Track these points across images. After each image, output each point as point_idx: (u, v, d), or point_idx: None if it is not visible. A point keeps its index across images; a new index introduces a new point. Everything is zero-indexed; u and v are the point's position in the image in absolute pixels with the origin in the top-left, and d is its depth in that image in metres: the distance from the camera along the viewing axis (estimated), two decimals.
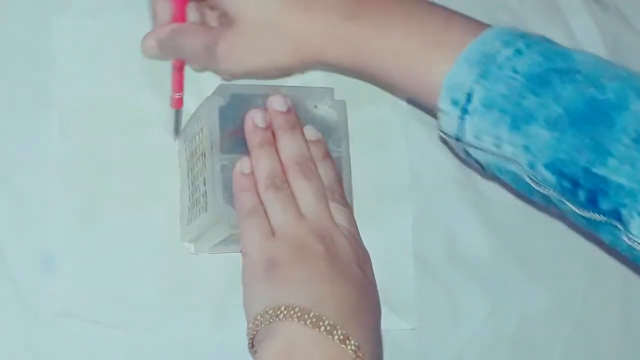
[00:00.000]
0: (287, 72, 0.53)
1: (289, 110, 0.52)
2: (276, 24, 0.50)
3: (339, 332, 0.44)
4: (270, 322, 0.45)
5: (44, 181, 0.55)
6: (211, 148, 0.50)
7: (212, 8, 0.55)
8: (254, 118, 0.51)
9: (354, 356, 0.44)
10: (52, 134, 0.55)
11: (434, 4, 0.51)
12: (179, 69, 0.55)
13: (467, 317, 0.63)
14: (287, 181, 0.50)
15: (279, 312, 0.45)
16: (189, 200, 0.55)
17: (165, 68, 0.55)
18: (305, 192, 0.50)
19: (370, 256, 0.60)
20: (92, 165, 0.56)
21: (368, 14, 0.49)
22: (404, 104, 0.64)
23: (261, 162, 0.50)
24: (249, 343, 0.48)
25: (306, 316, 0.45)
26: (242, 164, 0.50)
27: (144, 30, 0.55)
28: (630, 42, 0.71)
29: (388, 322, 0.60)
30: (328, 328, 0.44)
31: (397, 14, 0.49)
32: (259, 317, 0.46)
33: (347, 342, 0.44)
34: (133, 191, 0.56)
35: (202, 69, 0.56)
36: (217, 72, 0.54)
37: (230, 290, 0.57)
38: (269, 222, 0.49)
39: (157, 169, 0.57)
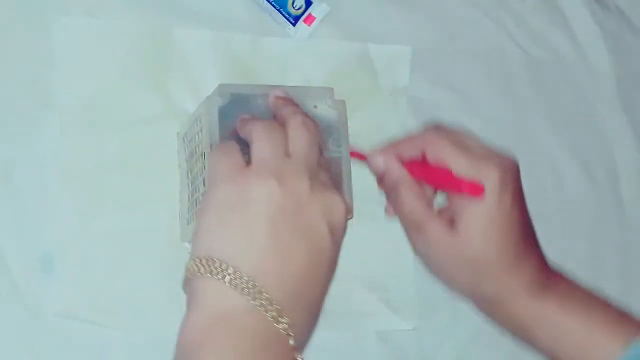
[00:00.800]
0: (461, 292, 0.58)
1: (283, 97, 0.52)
2: (486, 259, 0.54)
3: (274, 307, 0.42)
4: (201, 275, 0.43)
5: (44, 181, 0.55)
6: (210, 148, 0.50)
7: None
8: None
9: (285, 334, 0.42)
10: (52, 133, 0.55)
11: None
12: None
13: (467, 317, 0.63)
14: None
15: (212, 269, 0.43)
16: (189, 200, 0.55)
17: (165, 68, 0.55)
18: (299, 138, 0.48)
19: (371, 256, 0.61)
20: (91, 164, 0.56)
21: (556, 288, 0.56)
22: (404, 104, 0.64)
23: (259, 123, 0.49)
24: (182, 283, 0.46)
25: (242, 283, 0.42)
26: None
27: (145, 29, 0.55)
28: (631, 42, 0.71)
29: (389, 323, 0.60)
30: (263, 302, 0.42)
31: (579, 293, 0.56)
32: (193, 265, 0.44)
33: (280, 319, 0.42)
34: (133, 191, 0.56)
35: (394, 217, 0.57)
36: (411, 243, 0.57)
37: None
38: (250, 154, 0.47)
39: (157, 169, 0.57)
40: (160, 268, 0.56)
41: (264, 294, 0.42)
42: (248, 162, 0.46)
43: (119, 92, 0.57)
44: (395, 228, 0.61)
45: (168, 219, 0.57)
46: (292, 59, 0.61)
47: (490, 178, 0.52)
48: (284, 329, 0.42)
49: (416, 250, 0.57)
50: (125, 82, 0.57)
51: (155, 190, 0.57)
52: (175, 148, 0.57)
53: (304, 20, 0.61)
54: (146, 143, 0.57)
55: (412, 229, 0.56)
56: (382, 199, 0.59)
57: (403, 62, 0.64)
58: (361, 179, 0.58)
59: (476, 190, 0.52)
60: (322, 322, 0.59)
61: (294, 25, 0.61)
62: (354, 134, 0.55)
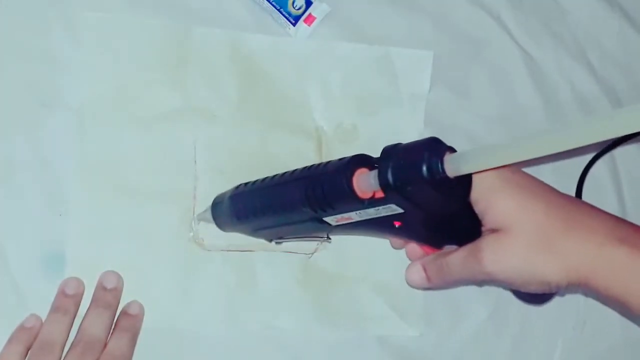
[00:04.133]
0: (548, 288, 0.50)
1: (113, 289, 0.54)
2: (548, 242, 0.48)
3: None
4: None
5: (45, 181, 0.55)
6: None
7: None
8: (66, 286, 0.53)
9: None
10: (52, 133, 0.55)
11: None
12: None
13: (468, 318, 0.63)
14: (61, 350, 0.51)
15: None
16: None
17: (183, 65, 0.56)
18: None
19: (380, 260, 0.61)
20: (108, 160, 0.56)
21: (636, 240, 0.48)
22: (422, 109, 0.64)
23: (47, 325, 0.52)
24: None
25: None
26: (26, 320, 0.52)
27: (164, 26, 0.57)
28: (633, 38, 0.71)
29: (395, 328, 0.60)
30: None
31: None
32: None
33: None
34: (148, 187, 0.57)
35: (465, 281, 0.54)
36: (477, 278, 0.51)
37: (239, 288, 0.58)
38: None
39: (173, 165, 0.58)
40: (172, 265, 0.57)
41: None
42: None
43: (136, 88, 0.57)
44: None
45: (181, 216, 0.57)
46: (309, 60, 0.61)
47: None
48: None
49: (497, 276, 0.50)
50: (143, 78, 0.58)
51: (170, 186, 0.57)
52: (190, 143, 0.58)
53: (304, 20, 0.61)
54: (163, 139, 0.58)
55: (470, 263, 0.51)
56: None
57: (425, 67, 0.64)
58: None
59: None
60: (327, 321, 0.59)
61: (294, 25, 0.61)
62: (370, 138, 0.55)
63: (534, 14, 0.69)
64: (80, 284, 0.54)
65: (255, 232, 0.56)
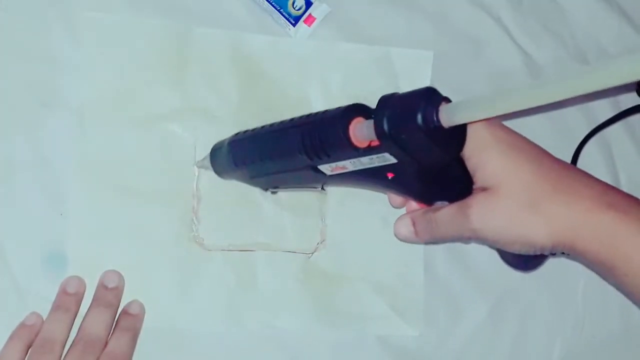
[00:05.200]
0: (533, 249, 0.50)
1: (114, 288, 0.54)
2: (535, 203, 0.48)
3: None
4: None
5: (45, 180, 0.55)
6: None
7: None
8: (67, 284, 0.53)
9: None
10: (52, 133, 0.55)
11: None
12: None
13: (467, 317, 0.63)
14: (62, 349, 0.51)
15: None
16: None
17: (183, 65, 0.56)
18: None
19: (381, 259, 0.61)
20: (108, 160, 0.56)
21: (624, 206, 0.48)
22: None
23: (48, 323, 0.52)
24: None
25: None
26: (27, 318, 0.52)
27: (165, 26, 0.57)
28: (633, 38, 0.71)
29: (395, 328, 0.60)
30: None
31: None
32: None
33: None
34: (148, 187, 0.57)
35: (452, 237, 0.53)
36: (464, 235, 0.51)
37: (239, 288, 0.58)
38: None
39: (171, 165, 0.58)
40: (172, 264, 0.57)
41: None
42: None
43: (136, 88, 0.57)
44: None
45: (181, 216, 0.57)
46: (309, 60, 0.61)
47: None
48: None
49: (483, 233, 0.50)
50: (143, 78, 0.58)
51: (170, 186, 0.57)
52: (190, 143, 0.58)
53: (304, 21, 0.61)
54: (163, 139, 0.58)
55: (459, 220, 0.51)
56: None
57: (425, 67, 0.64)
58: None
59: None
60: (327, 321, 0.59)
61: (294, 25, 0.61)
62: None
63: (533, 14, 0.69)
64: (81, 282, 0.54)
65: (252, 179, 0.56)
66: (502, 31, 0.67)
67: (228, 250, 0.58)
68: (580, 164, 0.67)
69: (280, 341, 0.58)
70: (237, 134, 0.55)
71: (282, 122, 0.52)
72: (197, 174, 0.58)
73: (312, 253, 0.60)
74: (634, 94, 0.70)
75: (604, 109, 0.69)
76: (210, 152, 0.57)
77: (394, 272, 0.61)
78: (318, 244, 0.60)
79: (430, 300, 0.62)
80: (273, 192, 0.58)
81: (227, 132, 0.58)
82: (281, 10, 0.60)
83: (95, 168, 0.56)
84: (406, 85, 0.63)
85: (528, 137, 0.52)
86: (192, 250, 0.57)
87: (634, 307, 0.67)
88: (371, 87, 0.62)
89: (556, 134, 0.67)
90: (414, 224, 0.54)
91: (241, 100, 0.60)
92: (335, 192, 0.61)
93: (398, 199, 0.57)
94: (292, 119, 0.52)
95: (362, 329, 0.60)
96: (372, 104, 0.61)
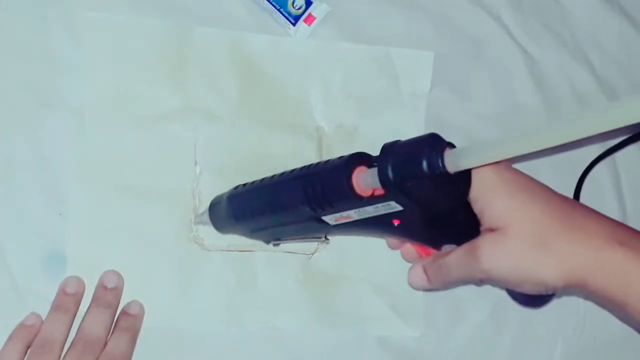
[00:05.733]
0: (544, 289, 0.49)
1: (114, 289, 0.54)
2: (544, 242, 0.48)
3: None
4: None
5: (45, 180, 0.55)
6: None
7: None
8: (66, 284, 0.53)
9: None
10: (52, 133, 0.55)
11: None
12: None
13: (468, 318, 0.63)
14: (61, 349, 0.51)
15: None
16: None
17: (183, 65, 0.56)
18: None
19: (381, 261, 0.61)
20: (108, 160, 0.56)
21: (635, 243, 0.48)
22: (423, 109, 0.64)
23: (47, 323, 0.52)
24: None
25: None
26: (26, 318, 0.52)
27: (165, 26, 0.57)
28: (633, 38, 0.71)
29: (395, 329, 0.60)
30: None
31: None
32: None
33: None
34: (146, 187, 0.57)
35: (464, 280, 0.53)
36: (475, 276, 0.51)
37: (239, 288, 0.58)
38: None
39: (171, 165, 0.58)
40: (172, 265, 0.57)
41: None
42: None
43: (136, 88, 0.57)
44: None
45: (181, 216, 0.57)
46: (309, 60, 0.61)
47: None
48: None
49: (493, 274, 0.49)
50: (143, 78, 0.58)
51: (170, 186, 0.57)
52: (191, 143, 0.58)
53: (304, 20, 0.61)
54: (164, 139, 0.58)
55: (468, 261, 0.51)
56: None
57: (425, 67, 0.64)
58: None
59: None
60: (327, 321, 0.59)
61: (294, 25, 0.61)
62: (371, 138, 0.55)
63: (534, 14, 0.69)
64: (80, 283, 0.54)
65: (253, 233, 0.55)
66: (502, 31, 0.67)
67: (228, 251, 0.58)
68: (586, 186, 0.67)
69: (280, 341, 0.58)
70: (236, 188, 0.55)
71: (282, 174, 0.52)
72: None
73: (313, 253, 0.60)
74: None
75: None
76: (209, 207, 0.56)
77: (394, 273, 0.61)
78: (318, 244, 0.60)
79: (431, 300, 0.62)
80: (275, 244, 0.58)
81: (227, 132, 0.58)
82: (281, 9, 0.60)
83: (95, 168, 0.56)
84: (407, 85, 0.63)
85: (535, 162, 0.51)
86: (192, 250, 0.57)
87: None
88: (371, 87, 0.62)
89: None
90: (425, 271, 0.54)
91: (241, 100, 0.60)
92: None
93: (393, 241, 0.57)
94: (292, 170, 0.51)
95: (362, 329, 0.60)
96: (373, 104, 0.61)
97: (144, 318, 0.55)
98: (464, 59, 0.66)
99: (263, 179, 0.53)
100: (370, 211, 0.48)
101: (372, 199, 0.47)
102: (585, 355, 0.66)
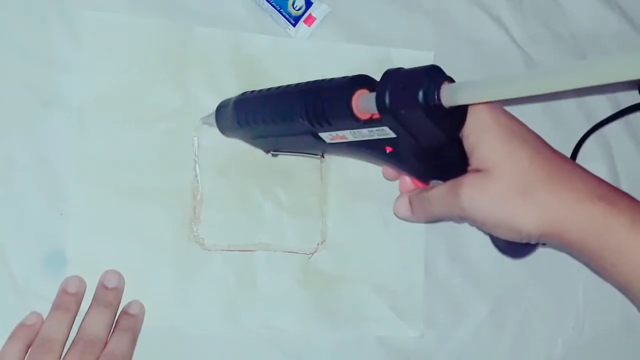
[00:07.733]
0: (519, 237, 0.49)
1: (114, 288, 0.54)
2: (526, 190, 0.48)
3: None
4: None
5: (45, 180, 0.55)
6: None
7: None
8: (67, 284, 0.53)
9: None
10: (52, 133, 0.56)
11: None
12: None
13: (468, 318, 0.63)
14: (62, 348, 0.51)
15: None
16: None
17: (184, 65, 0.56)
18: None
19: (382, 261, 0.61)
20: (109, 160, 0.56)
21: (615, 198, 0.48)
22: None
23: (47, 323, 0.52)
24: None
25: None
26: (27, 318, 0.52)
27: (166, 26, 0.57)
28: (633, 38, 0.71)
29: (395, 329, 0.60)
30: None
31: None
32: None
33: None
34: (146, 187, 0.57)
35: (444, 215, 0.53)
36: (454, 213, 0.51)
37: (239, 287, 0.58)
38: None
39: (171, 165, 0.58)
40: (172, 264, 0.57)
41: None
42: None
43: (136, 88, 0.58)
44: (408, 234, 0.61)
45: (180, 215, 0.57)
46: (309, 60, 0.61)
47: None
48: None
49: (470, 213, 0.50)
50: (143, 78, 0.58)
51: (170, 186, 0.57)
52: (190, 143, 0.58)
53: (304, 21, 0.61)
54: (164, 139, 0.58)
55: (449, 198, 0.51)
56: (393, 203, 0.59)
57: None
58: (375, 184, 0.59)
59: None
60: (327, 321, 0.59)
61: (294, 25, 0.61)
62: None
63: (533, 14, 0.69)
64: (81, 282, 0.54)
65: (254, 139, 0.56)
66: (502, 31, 0.67)
67: (228, 251, 0.58)
68: (579, 160, 0.67)
69: (280, 341, 0.58)
70: (243, 94, 0.55)
71: (288, 86, 0.53)
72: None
73: (313, 254, 0.60)
74: (635, 92, 0.70)
75: (604, 107, 0.69)
76: (216, 110, 0.57)
77: (394, 273, 0.61)
78: (318, 244, 0.60)
79: (431, 301, 0.62)
80: (274, 155, 0.58)
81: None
82: (281, 10, 0.60)
83: (95, 168, 0.56)
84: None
85: None
86: (192, 250, 0.57)
87: (634, 308, 0.67)
88: None
89: (556, 131, 0.67)
90: (410, 203, 0.55)
91: None
92: (336, 192, 0.61)
93: (391, 171, 0.57)
94: (297, 84, 0.52)
95: (362, 329, 0.60)
96: None
97: (144, 318, 0.55)
98: (464, 59, 0.66)
99: (270, 88, 0.54)
100: (365, 134, 0.49)
101: (369, 122, 0.48)
102: (585, 355, 0.66)
